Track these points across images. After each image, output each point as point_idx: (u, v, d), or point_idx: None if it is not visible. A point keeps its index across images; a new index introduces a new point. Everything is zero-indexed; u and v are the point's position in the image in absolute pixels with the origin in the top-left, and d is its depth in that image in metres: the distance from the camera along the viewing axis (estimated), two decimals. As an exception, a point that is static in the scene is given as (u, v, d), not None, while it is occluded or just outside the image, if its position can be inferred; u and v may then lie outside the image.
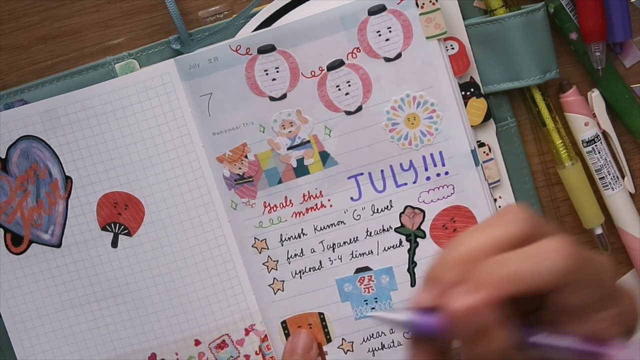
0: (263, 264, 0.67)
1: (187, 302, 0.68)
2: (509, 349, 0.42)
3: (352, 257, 0.67)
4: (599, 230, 0.67)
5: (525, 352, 0.43)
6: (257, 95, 0.65)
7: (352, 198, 0.66)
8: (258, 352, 0.68)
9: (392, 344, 0.67)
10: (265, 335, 0.68)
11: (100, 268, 0.68)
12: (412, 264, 0.66)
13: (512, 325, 0.42)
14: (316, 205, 0.66)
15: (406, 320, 0.44)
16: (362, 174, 0.66)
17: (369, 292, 0.67)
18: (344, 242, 0.66)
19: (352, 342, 0.68)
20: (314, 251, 0.67)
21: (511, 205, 0.46)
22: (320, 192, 0.66)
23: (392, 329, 0.67)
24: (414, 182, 0.66)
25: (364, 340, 0.68)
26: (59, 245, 0.68)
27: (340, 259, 0.67)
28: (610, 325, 0.43)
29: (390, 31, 0.64)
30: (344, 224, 0.66)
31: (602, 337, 0.42)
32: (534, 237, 0.43)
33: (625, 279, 0.69)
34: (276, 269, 0.67)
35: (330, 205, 0.66)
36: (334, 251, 0.66)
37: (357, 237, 0.66)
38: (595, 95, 0.66)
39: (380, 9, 0.64)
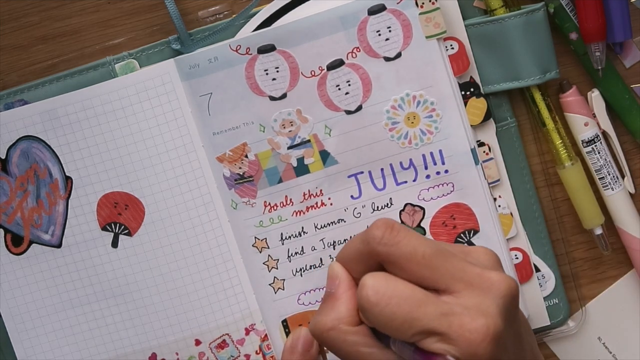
0: (263, 263, 0.67)
1: (188, 302, 0.68)
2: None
3: (353, 255, 0.67)
4: (599, 231, 0.67)
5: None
6: (257, 95, 0.65)
7: (352, 196, 0.66)
8: (258, 352, 0.68)
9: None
10: (266, 335, 0.68)
11: (101, 268, 0.68)
12: (412, 263, 0.66)
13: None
14: (316, 203, 0.66)
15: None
16: (362, 172, 0.66)
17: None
18: (345, 240, 0.66)
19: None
20: (314, 249, 0.67)
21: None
22: (321, 190, 0.66)
23: None
24: (414, 180, 0.66)
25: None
26: (59, 246, 0.68)
27: (341, 256, 0.67)
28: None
29: (390, 31, 0.64)
30: (345, 222, 0.66)
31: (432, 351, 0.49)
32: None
33: (625, 279, 0.69)
34: (276, 268, 0.67)
35: (331, 204, 0.66)
36: (334, 249, 0.66)
37: (357, 235, 0.66)
38: (595, 95, 0.66)
39: (380, 8, 0.64)
